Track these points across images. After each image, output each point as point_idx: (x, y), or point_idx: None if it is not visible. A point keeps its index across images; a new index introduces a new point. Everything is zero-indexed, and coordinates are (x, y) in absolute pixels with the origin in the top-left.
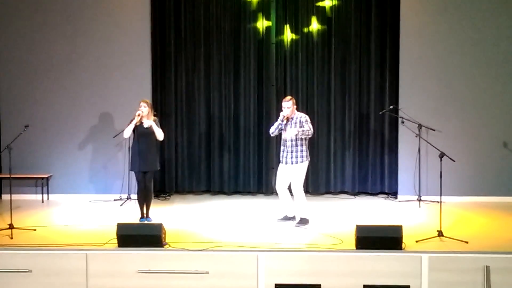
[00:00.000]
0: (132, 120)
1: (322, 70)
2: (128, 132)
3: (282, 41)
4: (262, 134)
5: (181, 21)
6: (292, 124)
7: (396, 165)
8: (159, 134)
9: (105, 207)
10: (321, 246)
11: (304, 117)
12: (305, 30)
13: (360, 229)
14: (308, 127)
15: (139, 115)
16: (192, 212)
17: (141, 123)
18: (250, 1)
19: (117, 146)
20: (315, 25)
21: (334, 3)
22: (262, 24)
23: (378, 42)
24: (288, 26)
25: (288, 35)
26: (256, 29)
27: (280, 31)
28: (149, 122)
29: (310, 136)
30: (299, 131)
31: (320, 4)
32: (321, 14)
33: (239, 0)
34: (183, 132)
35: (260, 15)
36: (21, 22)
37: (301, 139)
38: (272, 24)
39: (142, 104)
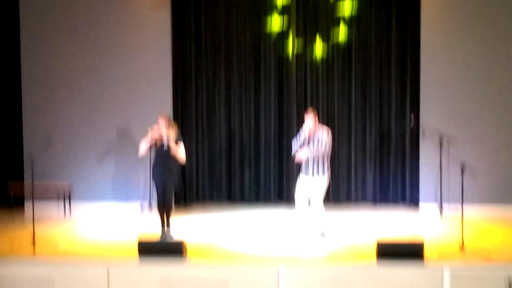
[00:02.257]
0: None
1: (342, 82)
2: (142, 150)
3: (302, 54)
4: (283, 144)
5: (201, 35)
6: (316, 136)
7: (417, 175)
8: (180, 157)
9: (126, 216)
10: (342, 260)
11: (326, 130)
12: (325, 43)
13: (381, 244)
14: (322, 143)
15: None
16: (213, 222)
17: (162, 144)
18: (271, 15)
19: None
20: (335, 39)
21: (354, 16)
22: (282, 38)
23: (398, 55)
24: (308, 40)
25: (308, 48)
26: (276, 43)
27: (300, 45)
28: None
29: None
30: (312, 153)
31: (340, 17)
32: (341, 28)
33: (259, 15)
34: (204, 143)
35: (280, 30)
36: (45, 35)
37: (327, 151)
38: (292, 38)
39: (160, 119)
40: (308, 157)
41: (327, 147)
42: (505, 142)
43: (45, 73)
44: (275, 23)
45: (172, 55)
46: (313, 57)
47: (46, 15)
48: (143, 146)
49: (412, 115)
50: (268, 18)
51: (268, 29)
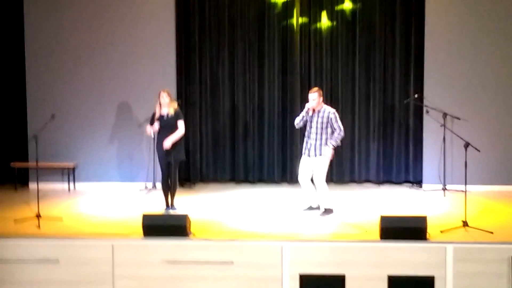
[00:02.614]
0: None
1: (346, 58)
2: (149, 129)
3: (306, 29)
4: (286, 122)
5: (205, 9)
6: (319, 117)
7: (420, 154)
8: (180, 133)
9: (130, 196)
10: (345, 236)
11: (333, 113)
12: (330, 18)
13: (384, 219)
14: (339, 130)
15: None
16: (216, 201)
17: (161, 115)
18: None
19: (142, 135)
20: (339, 13)
21: None
22: (286, 12)
23: (402, 30)
24: (312, 14)
25: (312, 24)
26: (280, 17)
27: (304, 20)
28: (167, 110)
29: (343, 134)
30: (333, 145)
31: None
32: (346, 2)
33: None
34: (208, 121)
35: (284, 3)
36: (47, 13)
37: (326, 132)
38: (296, 12)
39: (163, 94)
40: (309, 137)
41: (341, 133)
42: (509, 123)
43: (47, 53)
44: None
45: (175, 30)
46: (318, 32)
47: None
48: (151, 126)
49: (416, 96)
50: None
51: (272, 2)
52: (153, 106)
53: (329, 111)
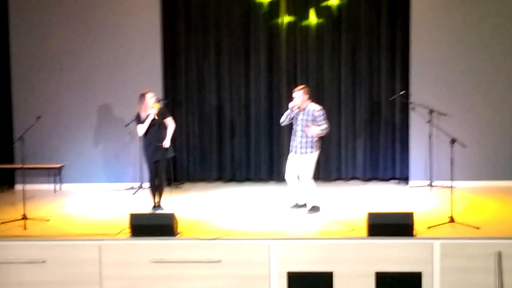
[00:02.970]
0: (146, 118)
1: (332, 56)
2: (143, 130)
3: (292, 28)
4: (273, 121)
5: (190, 9)
6: (304, 114)
7: (407, 151)
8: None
9: (117, 196)
10: (332, 234)
11: (318, 110)
12: (315, 15)
13: (371, 216)
14: (325, 126)
15: (155, 114)
16: (204, 200)
17: (153, 121)
18: None
19: (129, 135)
20: (325, 11)
21: None
22: (271, 10)
23: (388, 27)
24: (297, 12)
25: (298, 22)
26: (265, 16)
27: (289, 18)
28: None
29: (328, 128)
30: (319, 132)
31: None
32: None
33: None
34: (194, 120)
35: (269, 1)
36: (32, 15)
37: None
38: (281, 10)
39: (150, 95)
40: (296, 135)
41: (327, 125)
42: (495, 118)
43: (32, 54)
44: None
45: (161, 29)
46: (303, 30)
47: None
48: (144, 127)
49: (402, 92)
50: None
51: (258, 0)
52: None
53: (314, 109)
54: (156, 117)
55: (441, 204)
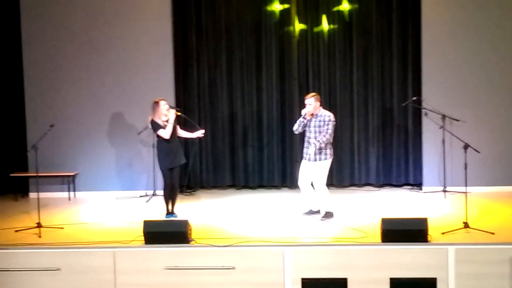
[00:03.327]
0: (168, 120)
1: (344, 62)
2: (168, 132)
3: (303, 35)
4: (285, 127)
5: (202, 16)
6: (317, 121)
7: (420, 156)
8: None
9: (131, 204)
10: (346, 240)
11: (328, 116)
12: (326, 22)
13: (385, 222)
14: (324, 133)
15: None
16: (217, 207)
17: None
18: None
19: (142, 142)
20: (336, 18)
21: None
22: (283, 18)
23: (399, 33)
24: (309, 19)
25: (309, 28)
26: (277, 23)
27: (301, 25)
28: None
29: (328, 138)
30: (316, 145)
31: None
32: (342, 6)
33: None
34: (207, 127)
35: (281, 9)
36: (44, 23)
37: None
38: (293, 17)
39: (164, 103)
40: (309, 142)
41: (327, 136)
42: (508, 124)
43: (45, 63)
44: (276, 2)
45: (173, 38)
46: (315, 37)
47: (44, 2)
48: (169, 129)
49: (414, 98)
50: None
51: (269, 8)
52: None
53: (325, 115)
54: (179, 114)
55: (455, 210)
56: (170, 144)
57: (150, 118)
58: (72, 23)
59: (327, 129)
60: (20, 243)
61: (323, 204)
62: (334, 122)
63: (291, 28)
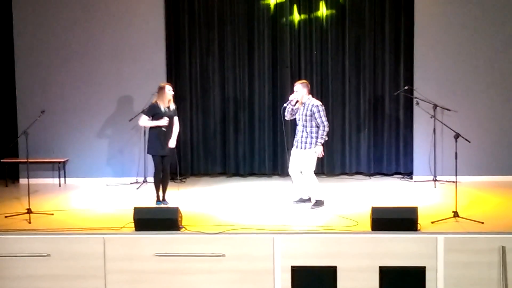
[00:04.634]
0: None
1: (336, 51)
2: (144, 124)
3: (295, 22)
4: (277, 116)
5: (194, 4)
6: (304, 109)
7: (411, 146)
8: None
9: (121, 191)
10: (336, 228)
11: (316, 106)
12: (319, 10)
13: (375, 210)
14: (322, 126)
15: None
16: (208, 194)
17: (168, 107)
18: None
19: (133, 129)
20: (328, 6)
21: None
22: (275, 6)
23: (392, 22)
24: (301, 7)
25: (302, 16)
26: (269, 11)
27: (293, 12)
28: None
29: (327, 129)
30: (320, 142)
31: None
32: None
33: None
34: (198, 115)
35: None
36: (37, 9)
37: (311, 125)
38: (285, 5)
39: (169, 88)
40: (304, 123)
41: (326, 128)
42: (498, 113)
43: (36, 48)
44: None
45: (165, 25)
46: (307, 25)
47: None
48: (148, 123)
49: (406, 87)
50: None
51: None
52: (143, 100)
53: (313, 104)
54: (169, 110)
55: (445, 199)
56: (158, 131)
57: (154, 101)
58: (65, 10)
59: (322, 121)
60: (10, 228)
61: (312, 192)
62: (323, 108)
63: (284, 16)
